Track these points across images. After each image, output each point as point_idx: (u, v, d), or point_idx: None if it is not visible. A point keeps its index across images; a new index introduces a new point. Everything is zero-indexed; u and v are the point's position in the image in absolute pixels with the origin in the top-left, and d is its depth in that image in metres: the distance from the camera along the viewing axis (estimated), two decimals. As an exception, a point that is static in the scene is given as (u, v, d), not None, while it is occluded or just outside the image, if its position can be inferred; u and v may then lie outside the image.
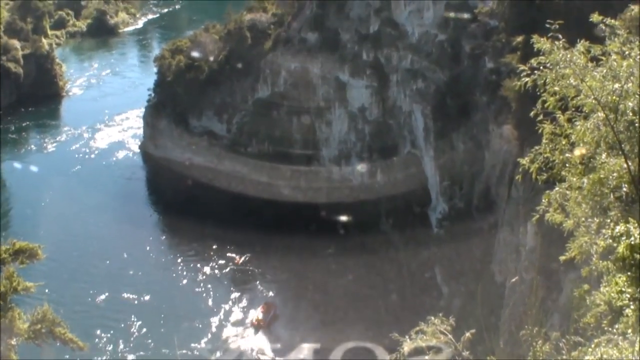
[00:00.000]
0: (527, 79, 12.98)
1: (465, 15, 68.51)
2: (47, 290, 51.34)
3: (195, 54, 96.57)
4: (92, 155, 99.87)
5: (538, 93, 13.06)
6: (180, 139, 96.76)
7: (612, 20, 13.28)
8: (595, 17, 13.48)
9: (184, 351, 61.28)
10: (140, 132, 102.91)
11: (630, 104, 12.21)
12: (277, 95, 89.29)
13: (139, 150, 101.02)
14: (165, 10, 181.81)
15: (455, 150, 66.10)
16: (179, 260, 76.19)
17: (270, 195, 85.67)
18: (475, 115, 63.31)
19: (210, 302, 69.10)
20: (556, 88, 12.76)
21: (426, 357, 12.97)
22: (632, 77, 12.26)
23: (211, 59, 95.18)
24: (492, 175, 57.95)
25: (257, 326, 65.00)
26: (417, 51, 74.82)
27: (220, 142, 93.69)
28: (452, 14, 69.86)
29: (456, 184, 66.16)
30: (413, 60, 75.01)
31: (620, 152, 12.36)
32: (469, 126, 64.24)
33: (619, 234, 11.42)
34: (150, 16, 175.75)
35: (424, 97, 71.72)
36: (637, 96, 12.23)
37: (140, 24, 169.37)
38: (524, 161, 13.65)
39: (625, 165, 12.27)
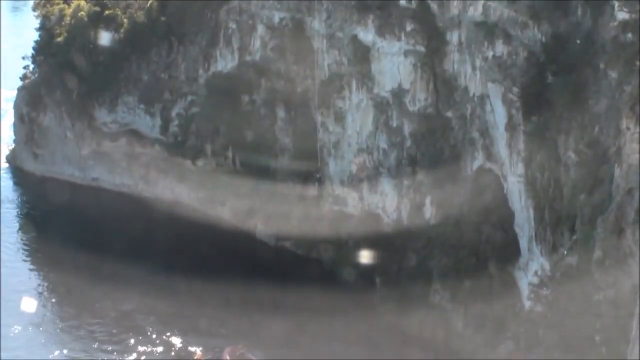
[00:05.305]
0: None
1: None
2: None
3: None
4: None
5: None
6: (78, 144, 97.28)
7: None
8: None
9: None
10: (10, 131, 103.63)
11: None
12: (249, 68, 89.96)
13: (6, 164, 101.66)
14: None
15: (562, 165, 66.32)
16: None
17: (238, 239, 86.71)
18: (596, 104, 63.70)
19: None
20: None
21: None
22: None
23: (135, 5, 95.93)
24: (627, 208, 58.21)
25: None
26: (494, -9, 75.53)
27: (150, 150, 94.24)
28: None
29: (563, 223, 66.26)
30: (487, 6, 75.52)
31: None
32: (585, 122, 64.57)
33: None
34: None
35: (507, 71, 72.04)
36: None
37: None
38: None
39: None
